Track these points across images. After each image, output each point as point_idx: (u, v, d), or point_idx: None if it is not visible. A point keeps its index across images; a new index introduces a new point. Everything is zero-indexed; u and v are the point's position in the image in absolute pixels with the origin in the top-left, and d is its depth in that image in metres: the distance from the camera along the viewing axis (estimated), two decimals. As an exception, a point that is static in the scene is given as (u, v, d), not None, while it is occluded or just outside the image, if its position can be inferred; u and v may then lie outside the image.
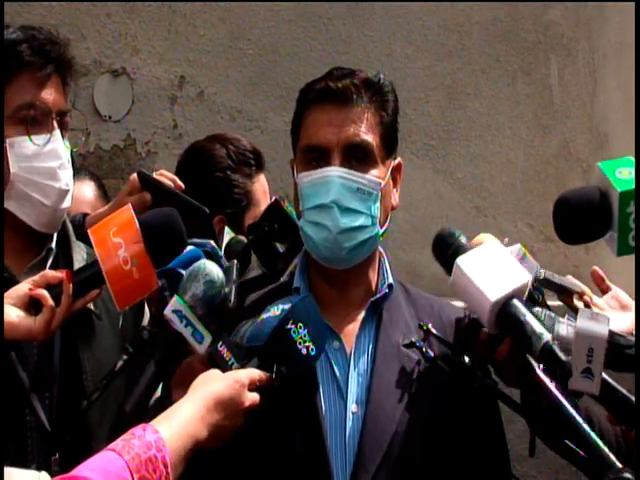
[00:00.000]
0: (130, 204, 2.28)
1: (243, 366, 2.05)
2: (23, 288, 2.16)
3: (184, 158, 3.18)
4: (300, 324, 2.05)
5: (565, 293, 2.83)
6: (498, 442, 2.32)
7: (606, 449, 1.92)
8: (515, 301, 2.03)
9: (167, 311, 2.12)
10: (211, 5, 4.44)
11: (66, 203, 2.39)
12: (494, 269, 2.06)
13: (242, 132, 4.21)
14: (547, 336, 1.99)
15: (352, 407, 2.21)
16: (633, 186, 2.08)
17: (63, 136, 2.37)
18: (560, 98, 4.82)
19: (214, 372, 2.01)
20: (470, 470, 2.23)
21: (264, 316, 2.08)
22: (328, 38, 4.52)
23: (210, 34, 4.44)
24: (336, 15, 4.54)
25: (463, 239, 2.17)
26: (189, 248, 2.30)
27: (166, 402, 2.16)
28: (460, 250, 2.12)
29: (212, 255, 2.34)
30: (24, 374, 2.27)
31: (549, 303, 2.50)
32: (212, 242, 2.38)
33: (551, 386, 1.99)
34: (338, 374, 2.22)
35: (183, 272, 2.20)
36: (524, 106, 4.76)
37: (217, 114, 4.42)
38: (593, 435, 1.92)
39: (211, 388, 1.95)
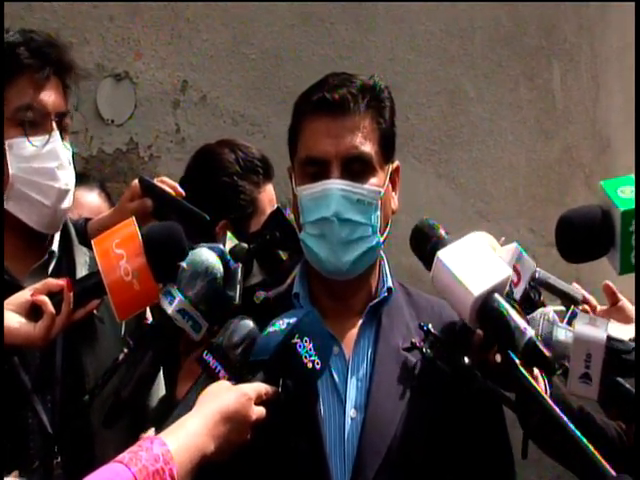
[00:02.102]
0: (134, 217, 2.28)
1: (247, 380, 2.04)
2: (24, 295, 2.18)
3: (192, 161, 3.18)
4: (306, 338, 2.04)
5: (566, 298, 2.83)
6: (502, 445, 2.31)
7: (593, 451, 1.91)
8: (497, 295, 2.02)
9: (172, 311, 2.13)
10: (214, 9, 4.44)
11: (66, 203, 2.40)
12: (475, 263, 2.04)
13: (245, 136, 4.20)
14: (530, 331, 1.98)
15: (351, 412, 2.20)
16: (634, 205, 2.08)
17: (63, 138, 2.39)
18: (563, 103, 4.82)
19: (222, 385, 2.02)
20: (472, 474, 2.23)
21: (270, 329, 2.07)
22: (331, 42, 4.52)
23: (213, 38, 4.44)
24: (339, 20, 4.54)
25: (442, 231, 2.16)
26: None
27: (172, 400, 2.18)
28: (440, 243, 2.11)
29: (221, 259, 2.35)
30: (26, 377, 2.28)
31: (554, 308, 2.51)
32: (220, 245, 2.39)
33: (533, 382, 1.98)
34: (337, 380, 2.22)
35: (184, 265, 2.20)
36: (526, 111, 4.76)
37: (220, 118, 4.42)
38: (578, 433, 1.93)
39: (219, 402, 1.95)
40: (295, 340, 2.03)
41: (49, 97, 2.35)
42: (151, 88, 4.38)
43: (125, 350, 2.15)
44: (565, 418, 1.95)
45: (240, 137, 3.82)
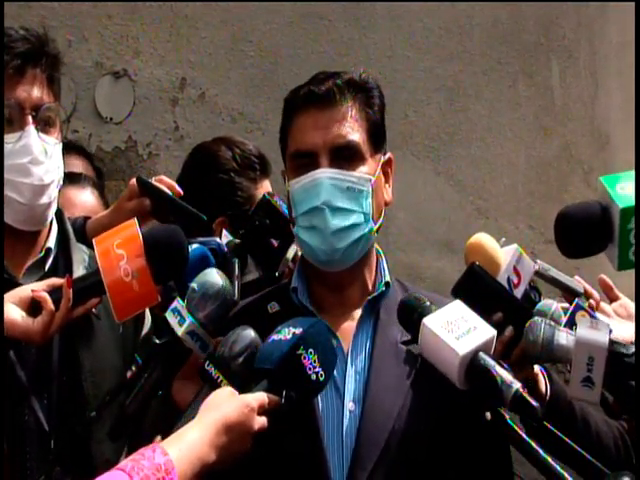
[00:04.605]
0: (135, 218, 2.27)
1: (251, 387, 2.03)
2: (26, 290, 2.18)
3: (189, 159, 3.18)
4: (310, 350, 2.04)
5: (568, 292, 2.83)
6: (499, 439, 2.29)
7: None
8: (482, 354, 2.05)
9: (182, 333, 2.12)
10: (212, 7, 4.44)
11: (45, 198, 2.35)
12: (460, 326, 2.09)
13: (243, 134, 4.21)
14: (517, 384, 2.01)
15: (349, 405, 2.21)
16: (634, 202, 2.08)
17: (47, 131, 2.34)
18: (561, 100, 4.82)
19: (224, 393, 2.01)
20: (470, 467, 2.23)
21: (275, 337, 2.07)
22: (329, 40, 4.52)
23: (211, 36, 4.44)
24: (337, 17, 4.54)
25: (427, 302, 2.19)
26: (194, 246, 2.30)
27: (167, 399, 2.18)
28: (426, 311, 2.14)
29: (217, 252, 2.35)
30: (22, 373, 2.28)
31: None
32: (217, 239, 2.39)
33: (524, 435, 2.01)
34: (335, 372, 2.21)
35: (195, 286, 2.18)
36: (525, 108, 4.75)
37: (218, 116, 4.42)
38: None
39: (221, 412, 1.94)
40: (300, 351, 2.02)
41: (24, 91, 2.31)
42: (150, 86, 4.38)
43: (133, 368, 2.15)
44: (565, 473, 1.96)
45: (239, 134, 3.81)
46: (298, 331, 2.05)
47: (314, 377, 2.04)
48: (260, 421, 1.98)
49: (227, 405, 1.96)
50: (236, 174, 3.00)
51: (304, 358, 2.03)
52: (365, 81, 2.33)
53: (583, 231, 2.13)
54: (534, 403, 2.00)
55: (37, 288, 2.18)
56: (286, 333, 2.06)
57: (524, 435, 2.01)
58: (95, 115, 4.34)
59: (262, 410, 1.99)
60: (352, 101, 2.29)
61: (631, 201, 2.08)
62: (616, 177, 2.15)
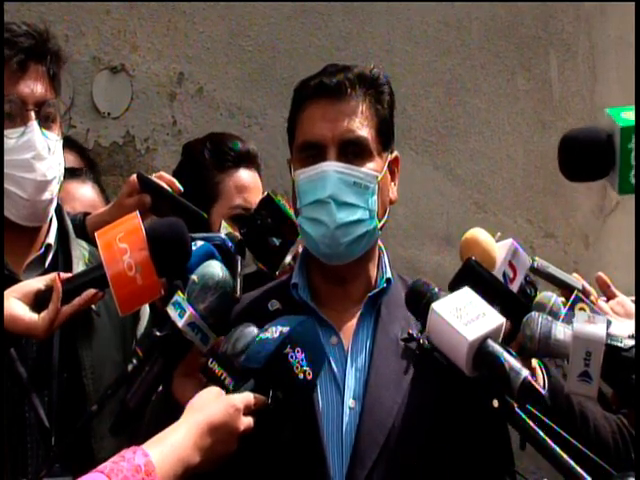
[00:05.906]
0: (137, 211, 2.27)
1: (238, 387, 2.03)
2: (28, 285, 2.16)
3: None
4: (298, 349, 2.02)
5: (565, 288, 2.83)
6: (500, 436, 2.30)
7: None
8: (490, 341, 2.05)
9: (182, 325, 2.11)
10: (210, 2, 4.44)
11: (47, 194, 2.35)
12: (469, 312, 2.08)
13: (241, 129, 4.21)
14: (525, 372, 2.01)
15: (349, 402, 2.20)
16: (634, 122, 2.08)
17: (48, 127, 2.34)
18: (560, 94, 4.82)
19: (210, 394, 1.99)
20: (470, 465, 2.23)
21: (262, 336, 2.06)
22: (327, 34, 4.52)
23: (209, 31, 4.43)
24: (335, 11, 4.54)
25: (436, 289, 2.18)
26: (200, 243, 2.30)
27: (167, 396, 2.17)
28: (434, 298, 2.14)
29: (223, 248, 2.34)
30: (23, 370, 2.28)
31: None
32: (221, 235, 2.38)
33: (531, 423, 2.00)
34: (335, 370, 2.22)
35: (195, 278, 2.17)
36: (524, 102, 4.76)
37: (216, 111, 4.42)
38: (580, 471, 1.94)
39: (205, 413, 1.93)
40: (287, 350, 2.01)
41: (27, 87, 2.31)
42: (147, 81, 4.38)
43: (134, 360, 2.14)
44: (572, 463, 1.96)
45: (236, 129, 3.82)
46: (285, 329, 2.03)
47: (301, 376, 2.02)
48: (246, 422, 1.97)
49: (212, 406, 1.95)
50: (198, 164, 2.99)
51: (291, 357, 2.01)
52: (376, 77, 2.31)
53: (588, 150, 2.12)
54: (542, 391, 2.00)
55: (45, 282, 2.17)
56: (273, 332, 2.04)
57: (533, 425, 2.01)
58: (93, 110, 4.33)
59: (248, 410, 1.97)
60: (363, 96, 2.27)
61: (631, 122, 2.08)
62: (620, 108, 2.15)
